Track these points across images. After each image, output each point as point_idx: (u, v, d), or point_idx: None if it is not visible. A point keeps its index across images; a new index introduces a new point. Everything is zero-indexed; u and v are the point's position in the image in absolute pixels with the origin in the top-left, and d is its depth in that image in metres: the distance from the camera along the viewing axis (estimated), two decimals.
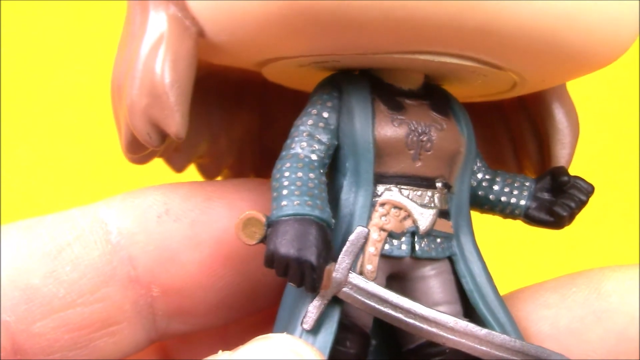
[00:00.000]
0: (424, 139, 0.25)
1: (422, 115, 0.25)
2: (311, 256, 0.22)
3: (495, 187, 0.27)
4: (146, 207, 0.25)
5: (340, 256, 0.23)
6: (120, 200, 0.25)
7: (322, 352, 0.23)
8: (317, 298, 0.23)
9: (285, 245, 0.23)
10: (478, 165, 0.28)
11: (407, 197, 0.25)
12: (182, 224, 0.25)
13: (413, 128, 0.25)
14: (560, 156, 0.29)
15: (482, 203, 0.28)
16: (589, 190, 0.27)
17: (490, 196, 0.27)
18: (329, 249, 0.23)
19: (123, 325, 0.25)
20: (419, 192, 0.25)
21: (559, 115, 0.29)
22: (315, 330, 0.23)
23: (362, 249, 0.24)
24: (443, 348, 0.25)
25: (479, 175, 0.28)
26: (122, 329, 0.25)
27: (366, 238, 0.24)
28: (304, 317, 0.23)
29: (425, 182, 0.25)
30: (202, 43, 0.25)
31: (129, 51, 0.25)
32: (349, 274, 0.23)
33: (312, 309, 0.23)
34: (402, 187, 0.25)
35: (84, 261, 0.25)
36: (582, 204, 0.27)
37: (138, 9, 0.25)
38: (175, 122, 0.24)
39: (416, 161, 0.25)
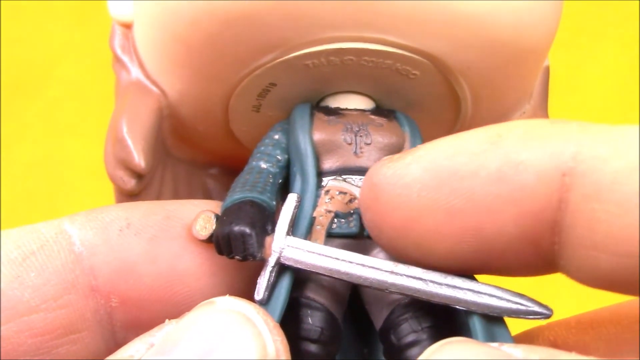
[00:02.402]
0: (362, 134, 0.27)
1: (360, 118, 0.28)
2: (244, 226, 0.24)
3: None
4: (109, 221, 0.26)
5: (277, 225, 0.25)
6: (84, 215, 0.26)
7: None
8: (263, 268, 0.25)
9: (223, 226, 0.25)
10: None
11: (352, 183, 0.26)
12: (141, 238, 0.26)
13: (349, 126, 0.27)
14: None
15: None
16: None
17: None
18: (267, 220, 0.25)
19: (84, 334, 0.26)
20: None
21: None
22: (267, 301, 0.24)
23: (296, 212, 0.25)
24: (406, 312, 0.25)
25: None
26: (83, 337, 0.26)
27: (298, 201, 0.25)
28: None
29: None
30: (170, 109, 0.30)
31: None
32: (286, 238, 0.25)
33: (260, 279, 0.25)
34: (347, 176, 0.26)
35: (48, 268, 0.25)
36: None
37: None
38: (135, 156, 0.28)
39: (358, 155, 0.27)
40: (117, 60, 0.31)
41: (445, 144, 0.23)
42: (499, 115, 0.30)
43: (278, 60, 0.27)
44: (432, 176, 0.22)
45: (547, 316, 0.24)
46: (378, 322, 0.26)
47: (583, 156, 0.21)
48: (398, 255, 0.24)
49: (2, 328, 0.25)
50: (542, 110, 0.31)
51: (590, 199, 0.21)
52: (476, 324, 0.24)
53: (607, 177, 0.21)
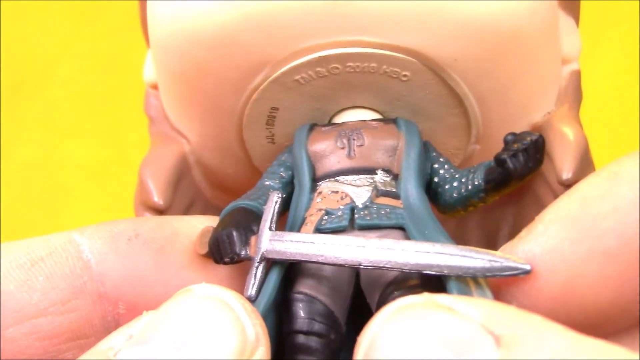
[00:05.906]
0: (355, 137, 0.28)
1: (356, 124, 0.28)
2: (228, 227, 0.25)
3: (457, 175, 0.29)
4: (117, 232, 0.27)
5: (260, 223, 0.25)
6: (93, 227, 0.27)
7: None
8: (250, 266, 0.25)
9: (214, 233, 0.26)
10: (446, 167, 0.29)
11: (344, 182, 0.27)
12: (150, 248, 0.26)
13: (342, 132, 0.28)
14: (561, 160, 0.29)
15: (450, 193, 0.29)
16: (534, 136, 0.27)
17: (454, 183, 0.29)
18: (253, 221, 0.26)
19: (91, 339, 0.26)
20: (357, 179, 0.27)
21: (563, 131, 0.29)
22: (256, 297, 0.25)
23: (277, 208, 0.26)
24: (395, 289, 0.25)
25: (442, 172, 0.29)
26: (91, 343, 0.26)
27: (279, 198, 0.26)
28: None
29: (364, 172, 0.27)
30: (196, 155, 0.32)
31: None
32: (269, 232, 0.25)
33: (249, 276, 0.25)
34: (340, 177, 0.27)
35: (57, 273, 0.26)
36: (527, 145, 0.27)
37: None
38: (154, 194, 0.30)
39: (352, 157, 0.27)
40: (151, 121, 0.33)
41: (566, 200, 0.23)
42: (515, 117, 0.30)
43: (269, 80, 0.28)
44: (577, 227, 0.22)
45: (526, 271, 0.23)
46: (374, 308, 0.26)
47: None
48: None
49: (10, 330, 0.25)
50: (571, 113, 0.30)
51: None
52: (453, 289, 0.23)
53: None
